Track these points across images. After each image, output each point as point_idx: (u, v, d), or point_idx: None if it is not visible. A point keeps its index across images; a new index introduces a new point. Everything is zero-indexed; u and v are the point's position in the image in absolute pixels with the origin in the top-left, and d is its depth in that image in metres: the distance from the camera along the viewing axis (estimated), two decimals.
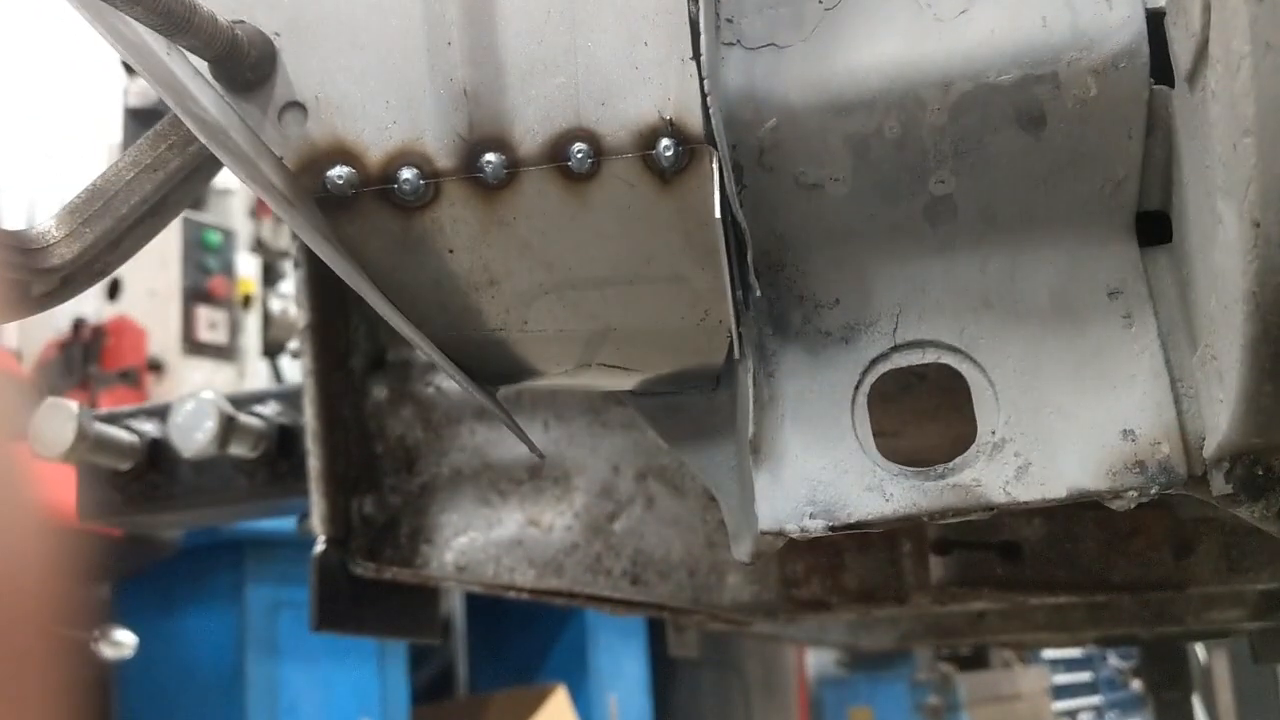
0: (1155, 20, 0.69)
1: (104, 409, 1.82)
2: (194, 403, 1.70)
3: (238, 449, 1.76)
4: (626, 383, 0.87)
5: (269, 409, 1.85)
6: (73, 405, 1.71)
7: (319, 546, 1.73)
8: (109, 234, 0.80)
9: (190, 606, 4.75)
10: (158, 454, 1.83)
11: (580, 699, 5.74)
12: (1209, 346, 0.67)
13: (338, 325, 1.75)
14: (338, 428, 1.77)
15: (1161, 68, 0.69)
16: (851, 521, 0.74)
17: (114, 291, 5.12)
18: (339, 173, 0.75)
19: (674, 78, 0.73)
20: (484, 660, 7.16)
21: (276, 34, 0.77)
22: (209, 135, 0.75)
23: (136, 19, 0.68)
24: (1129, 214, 0.74)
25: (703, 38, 0.71)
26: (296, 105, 0.77)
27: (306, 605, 1.73)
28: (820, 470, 0.75)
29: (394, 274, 0.78)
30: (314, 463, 1.75)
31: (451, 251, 0.77)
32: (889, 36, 0.71)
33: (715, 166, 0.72)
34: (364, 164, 0.76)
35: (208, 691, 4.80)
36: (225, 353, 5.42)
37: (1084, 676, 10.60)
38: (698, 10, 0.72)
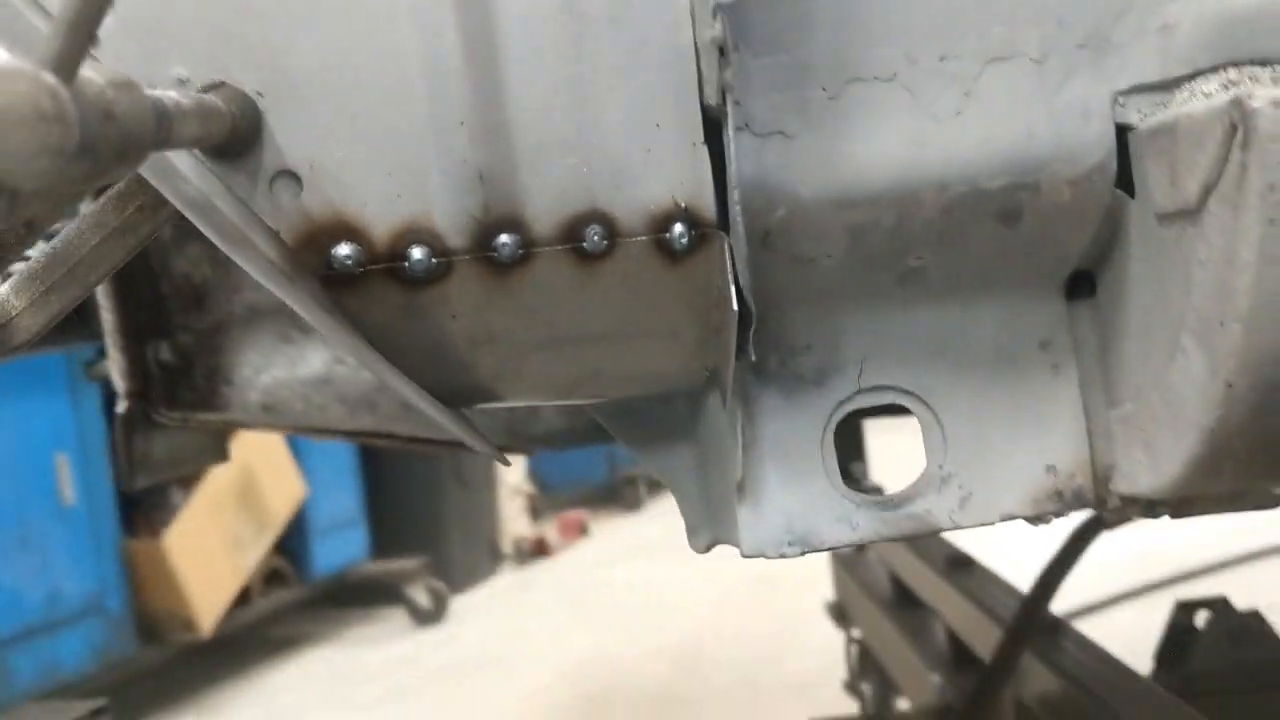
0: (1120, 132, 0.77)
1: None
2: None
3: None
4: (590, 403, 0.91)
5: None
6: None
7: (122, 406, 1.68)
8: (75, 302, 0.74)
9: None
10: None
11: None
12: (1139, 419, 0.80)
13: None
14: (125, 276, 1.67)
15: (1122, 174, 0.78)
16: (824, 547, 0.85)
17: None
18: (345, 251, 0.73)
19: (686, 162, 0.74)
20: None
21: (259, 94, 0.72)
22: (193, 209, 0.71)
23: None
24: (1064, 277, 0.85)
25: (730, 143, 0.73)
26: (289, 174, 0.73)
27: None
28: (796, 505, 0.85)
29: (392, 338, 0.78)
30: (108, 317, 1.67)
31: (454, 317, 0.78)
32: (891, 134, 0.76)
33: (727, 251, 0.76)
34: (370, 241, 0.74)
35: None
36: None
37: None
38: (718, 98, 0.73)
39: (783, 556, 0.85)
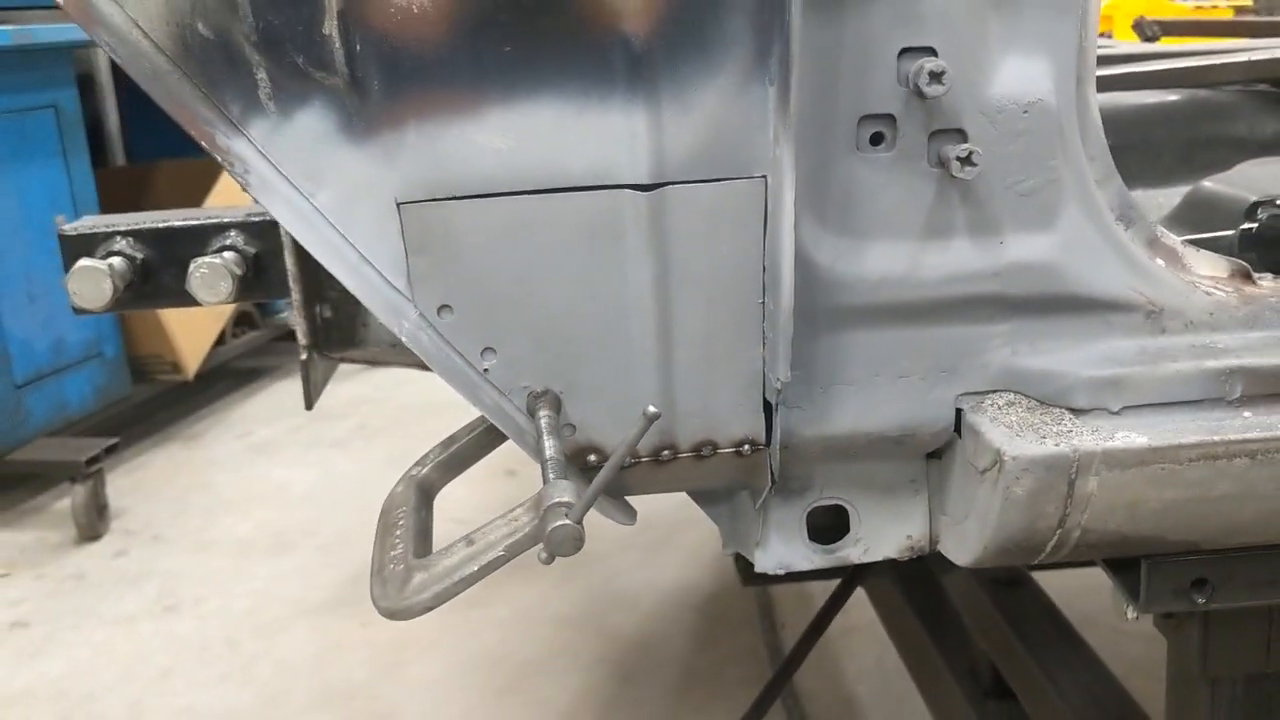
0: (958, 412, 1.62)
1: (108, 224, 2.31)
2: (208, 268, 2.25)
3: None
4: None
5: (239, 240, 2.40)
6: (103, 266, 2.22)
7: (304, 354, 2.45)
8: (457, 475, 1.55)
9: None
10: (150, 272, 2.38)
11: None
12: (950, 528, 1.69)
13: None
14: (307, 261, 2.40)
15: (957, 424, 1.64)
16: (797, 570, 1.75)
17: None
18: (592, 459, 1.57)
19: (755, 420, 1.58)
20: (140, 129, 7.42)
21: (562, 392, 1.53)
22: (518, 436, 1.53)
23: None
24: (924, 454, 1.72)
25: (776, 415, 1.56)
26: (570, 425, 1.55)
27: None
28: (784, 551, 1.74)
29: (608, 491, 1.62)
30: (296, 296, 2.41)
31: (633, 478, 1.62)
32: (851, 412, 1.59)
33: (767, 456, 1.61)
34: (605, 453, 1.57)
35: None
36: None
37: None
38: (775, 394, 1.55)
39: (776, 574, 1.75)
